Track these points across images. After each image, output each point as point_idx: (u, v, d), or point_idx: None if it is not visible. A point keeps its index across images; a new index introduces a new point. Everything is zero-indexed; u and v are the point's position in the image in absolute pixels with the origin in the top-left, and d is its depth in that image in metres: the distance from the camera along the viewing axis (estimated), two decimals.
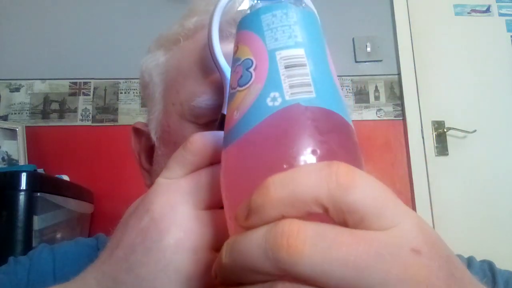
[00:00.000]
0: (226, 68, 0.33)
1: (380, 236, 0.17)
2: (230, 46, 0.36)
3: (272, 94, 0.20)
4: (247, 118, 0.21)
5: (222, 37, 0.36)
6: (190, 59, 0.38)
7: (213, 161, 0.25)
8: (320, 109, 0.20)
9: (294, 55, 0.21)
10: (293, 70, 0.21)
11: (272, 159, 0.19)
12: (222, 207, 0.22)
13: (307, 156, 0.19)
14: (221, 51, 0.33)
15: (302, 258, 0.15)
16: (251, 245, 0.17)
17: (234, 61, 0.23)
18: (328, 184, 0.17)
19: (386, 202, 0.17)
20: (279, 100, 0.20)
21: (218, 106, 0.35)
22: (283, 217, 0.17)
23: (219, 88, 0.35)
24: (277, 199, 0.17)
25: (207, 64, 0.36)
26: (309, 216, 0.17)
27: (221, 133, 0.25)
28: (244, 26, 0.24)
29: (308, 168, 0.18)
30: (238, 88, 0.22)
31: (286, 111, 0.20)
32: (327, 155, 0.19)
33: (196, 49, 0.38)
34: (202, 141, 0.25)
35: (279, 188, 0.17)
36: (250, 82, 0.21)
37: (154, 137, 0.42)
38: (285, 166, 0.19)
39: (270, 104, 0.20)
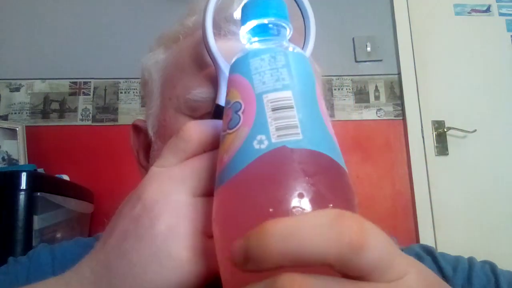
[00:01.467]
0: (220, 58, 0.33)
1: None
2: (228, 44, 0.36)
3: (258, 137, 0.21)
4: (235, 161, 0.21)
5: (220, 35, 0.36)
6: (186, 54, 0.39)
7: (206, 148, 0.25)
8: (308, 151, 0.20)
9: (281, 98, 0.21)
10: (280, 112, 0.21)
11: (258, 203, 0.19)
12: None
13: (293, 200, 0.19)
14: (217, 46, 0.33)
15: None
16: None
17: (226, 104, 0.24)
18: (339, 246, 0.15)
19: (393, 257, 0.17)
20: (266, 143, 0.20)
21: (213, 98, 0.35)
22: (281, 267, 0.16)
23: (214, 81, 0.35)
24: (278, 253, 0.15)
25: (202, 58, 0.37)
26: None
27: (214, 121, 0.26)
28: (235, 70, 0.24)
29: (315, 222, 0.16)
30: (228, 131, 0.22)
31: (272, 154, 0.20)
32: (314, 198, 0.19)
33: (192, 44, 0.39)
34: (194, 128, 0.26)
35: (281, 242, 0.15)
36: (238, 125, 0.22)
37: (151, 132, 0.42)
38: (271, 210, 0.19)
39: (257, 147, 0.20)
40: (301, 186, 0.19)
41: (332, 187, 0.20)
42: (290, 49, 0.24)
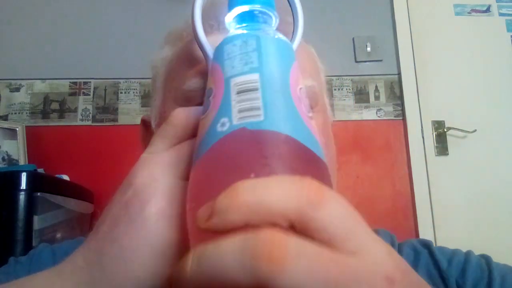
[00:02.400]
0: (207, 46, 0.33)
1: (355, 261, 0.16)
2: (221, 37, 0.37)
3: (222, 120, 0.21)
4: (203, 143, 0.22)
5: (213, 28, 0.38)
6: (185, 48, 0.40)
7: (195, 134, 0.26)
8: (268, 132, 0.20)
9: (247, 81, 0.22)
10: (244, 95, 0.21)
11: (214, 183, 0.20)
12: None
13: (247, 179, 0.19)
14: (211, 40, 0.34)
15: (283, 272, 0.14)
16: (225, 253, 0.15)
17: (205, 92, 0.24)
18: (298, 198, 0.16)
19: (355, 226, 0.17)
20: (227, 125, 0.21)
21: (205, 88, 0.36)
22: (246, 225, 0.16)
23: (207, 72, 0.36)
24: (243, 204, 0.16)
25: (198, 50, 0.37)
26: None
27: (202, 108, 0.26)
28: (213, 58, 0.25)
29: (280, 179, 0.17)
30: (202, 116, 0.23)
31: (232, 135, 0.20)
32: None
33: (191, 39, 0.39)
34: (183, 114, 0.26)
35: (248, 193, 0.16)
36: (208, 110, 0.22)
37: (153, 124, 0.43)
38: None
39: (220, 129, 0.21)
40: (255, 167, 0.19)
41: (290, 168, 0.19)
42: (276, 36, 0.24)
